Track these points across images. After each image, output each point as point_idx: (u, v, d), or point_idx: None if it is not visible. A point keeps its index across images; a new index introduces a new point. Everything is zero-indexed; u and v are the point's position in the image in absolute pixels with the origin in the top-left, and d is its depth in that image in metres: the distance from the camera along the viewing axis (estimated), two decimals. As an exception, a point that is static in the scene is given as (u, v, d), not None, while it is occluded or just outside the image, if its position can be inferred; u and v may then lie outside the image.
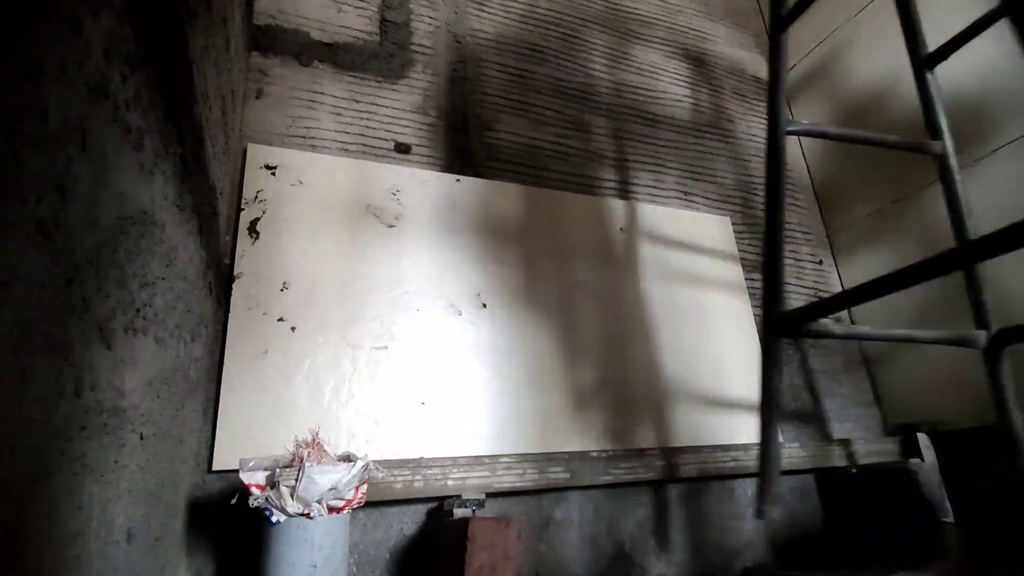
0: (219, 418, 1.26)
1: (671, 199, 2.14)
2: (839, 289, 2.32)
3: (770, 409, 1.19)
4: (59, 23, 0.50)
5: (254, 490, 1.05)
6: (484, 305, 1.63)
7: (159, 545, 0.94)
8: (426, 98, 1.88)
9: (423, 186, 1.70)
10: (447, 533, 1.26)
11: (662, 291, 1.90)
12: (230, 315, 1.35)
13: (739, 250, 2.14)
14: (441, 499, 1.36)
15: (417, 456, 1.38)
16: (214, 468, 1.22)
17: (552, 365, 1.64)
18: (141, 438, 0.81)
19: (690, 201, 2.17)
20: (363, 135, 1.73)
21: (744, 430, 1.80)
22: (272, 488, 1.05)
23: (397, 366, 1.46)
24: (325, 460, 1.11)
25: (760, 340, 1.25)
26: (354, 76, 1.80)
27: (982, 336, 1.31)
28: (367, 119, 1.75)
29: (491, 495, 1.41)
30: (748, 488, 1.77)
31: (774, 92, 1.32)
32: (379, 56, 1.86)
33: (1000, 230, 0.81)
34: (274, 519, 1.03)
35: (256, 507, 1.03)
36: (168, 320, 0.90)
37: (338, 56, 1.80)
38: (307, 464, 1.06)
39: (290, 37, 1.75)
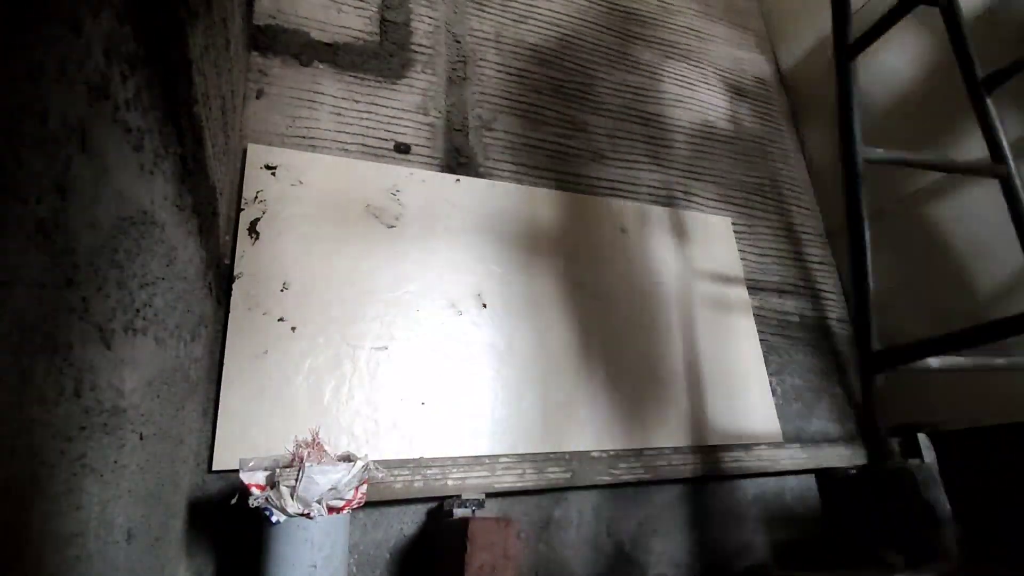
0: (219, 418, 1.26)
1: (671, 199, 2.14)
2: (839, 289, 2.32)
3: (883, 455, 1.13)
4: (59, 23, 0.50)
5: (254, 490, 1.05)
6: (485, 305, 1.63)
7: (159, 545, 0.94)
8: (426, 98, 1.88)
9: (423, 186, 1.70)
10: (447, 533, 1.26)
11: (662, 291, 1.90)
12: (230, 315, 1.35)
13: (739, 250, 2.14)
14: (441, 499, 1.36)
15: (417, 456, 1.38)
16: (214, 468, 1.22)
17: (552, 365, 1.64)
18: (141, 438, 0.81)
19: (690, 201, 2.17)
20: (363, 135, 1.73)
21: (744, 430, 1.80)
22: (272, 488, 1.05)
23: (397, 366, 1.46)
24: (325, 460, 1.11)
25: (859, 379, 1.22)
26: (354, 76, 1.80)
27: None
28: (367, 119, 1.75)
29: (491, 495, 1.41)
30: (749, 488, 1.77)
31: (847, 121, 1.29)
32: (379, 56, 1.86)
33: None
34: (274, 519, 1.03)
35: (256, 507, 1.03)
36: (168, 320, 0.90)
37: (338, 56, 1.80)
38: (307, 464, 1.06)
39: (290, 37, 1.75)
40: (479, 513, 1.31)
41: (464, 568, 1.12)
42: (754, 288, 2.10)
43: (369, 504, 1.23)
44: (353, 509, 1.13)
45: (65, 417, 0.57)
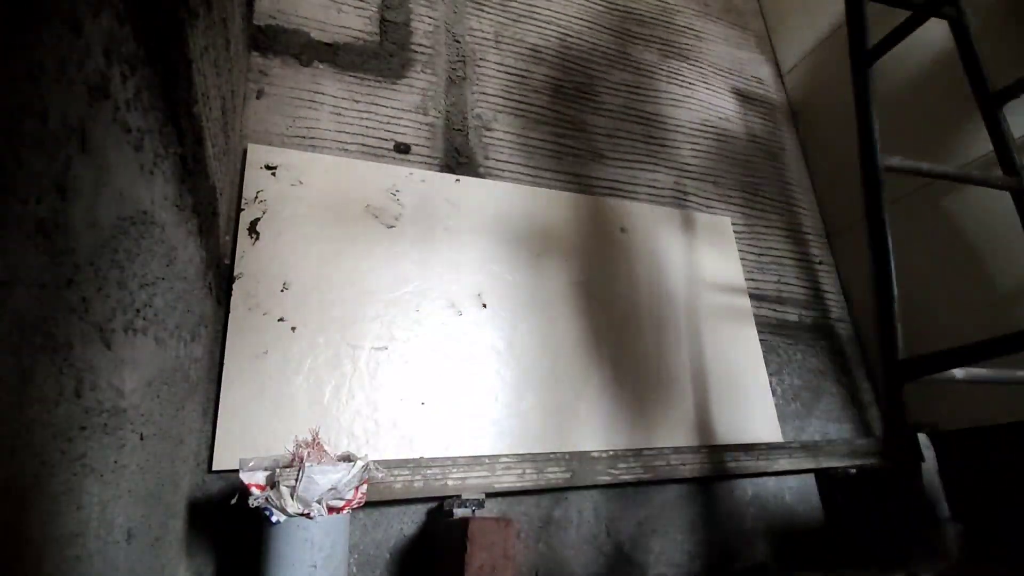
0: (219, 418, 1.26)
1: (671, 199, 2.14)
2: (838, 289, 2.32)
3: (913, 466, 1.12)
4: (59, 23, 0.50)
5: (254, 490, 1.05)
6: (485, 305, 1.63)
7: (159, 545, 0.94)
8: (425, 98, 1.88)
9: (423, 186, 1.70)
10: (447, 533, 1.26)
11: (661, 291, 1.90)
12: (230, 315, 1.35)
13: (739, 250, 2.14)
14: (441, 499, 1.36)
15: (417, 456, 1.38)
16: (214, 468, 1.22)
17: (552, 365, 1.64)
18: (141, 438, 0.81)
19: (690, 201, 2.17)
20: (363, 135, 1.73)
21: (744, 430, 1.80)
22: (272, 488, 1.05)
23: (397, 366, 1.46)
24: (325, 460, 1.11)
25: (882, 389, 1.21)
26: (354, 76, 1.80)
27: None
28: (367, 119, 1.76)
29: (491, 495, 1.41)
30: (748, 488, 1.77)
31: (867, 128, 1.28)
32: (379, 56, 1.86)
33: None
34: (274, 519, 1.03)
35: (256, 507, 1.03)
36: (168, 320, 0.90)
37: (338, 56, 1.80)
38: (307, 464, 1.06)
39: (290, 37, 1.75)
40: (479, 513, 1.31)
41: (464, 568, 1.13)
42: (754, 288, 2.10)
43: (369, 504, 1.24)
44: (353, 509, 1.13)
45: (65, 417, 0.57)
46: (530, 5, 2.25)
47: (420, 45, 1.95)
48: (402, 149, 1.77)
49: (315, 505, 1.05)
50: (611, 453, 1.57)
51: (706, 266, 2.03)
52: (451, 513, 1.31)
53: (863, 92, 1.33)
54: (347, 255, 1.53)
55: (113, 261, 0.66)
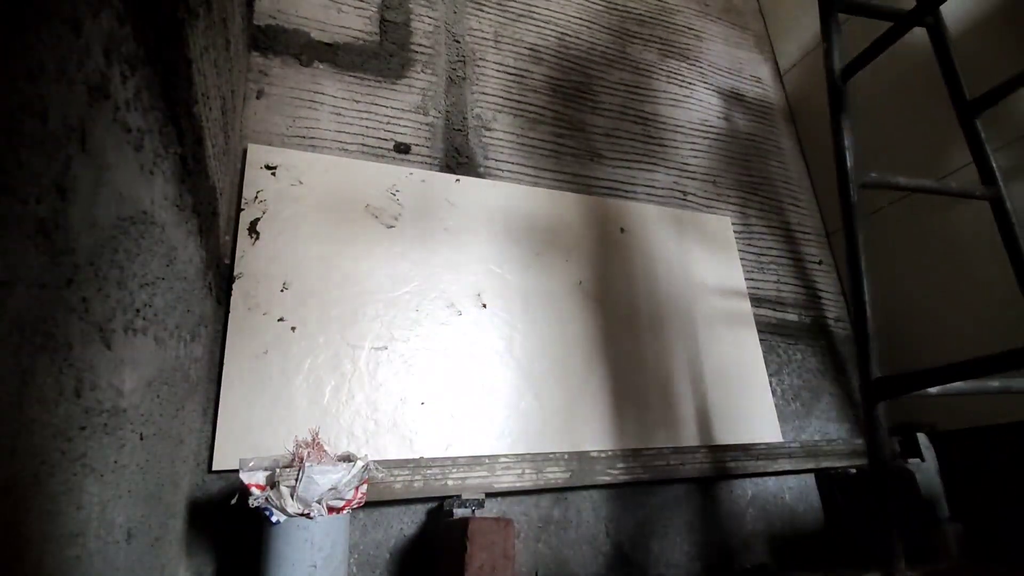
0: (219, 418, 1.26)
1: (670, 199, 2.14)
2: (838, 289, 2.32)
3: (882, 479, 1.13)
4: (59, 23, 0.50)
5: (254, 490, 1.05)
6: (484, 305, 1.63)
7: (159, 545, 0.94)
8: (425, 98, 1.88)
9: (422, 186, 1.70)
10: (447, 533, 1.26)
11: (661, 290, 1.90)
12: (230, 315, 1.35)
13: (739, 250, 2.14)
14: (441, 499, 1.36)
15: (417, 456, 1.39)
16: (214, 468, 1.22)
17: (551, 365, 1.64)
18: (141, 438, 0.81)
19: (689, 201, 2.17)
20: (363, 135, 1.73)
21: (744, 430, 1.80)
22: (272, 488, 1.05)
23: (397, 366, 1.46)
24: (325, 460, 1.11)
25: (862, 406, 1.21)
26: (354, 76, 1.80)
27: None
28: (367, 119, 1.76)
29: (491, 495, 1.41)
30: (748, 488, 1.77)
31: (840, 146, 1.28)
32: (379, 56, 1.86)
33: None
34: (274, 519, 1.03)
35: (256, 507, 1.03)
36: (168, 320, 0.90)
37: (338, 56, 1.80)
38: (307, 464, 1.06)
39: (290, 37, 1.75)
40: (479, 513, 1.31)
41: (464, 568, 1.13)
42: (753, 288, 2.11)
43: (369, 504, 1.24)
44: (353, 509, 1.13)
45: (65, 417, 0.57)
46: (529, 5, 2.25)
47: (420, 45, 1.95)
48: (402, 149, 1.77)
49: (315, 505, 1.05)
50: (610, 453, 1.57)
51: (706, 266, 2.03)
52: (451, 513, 1.31)
53: (837, 110, 1.32)
54: (347, 255, 1.53)
55: (113, 261, 0.66)
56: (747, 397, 1.87)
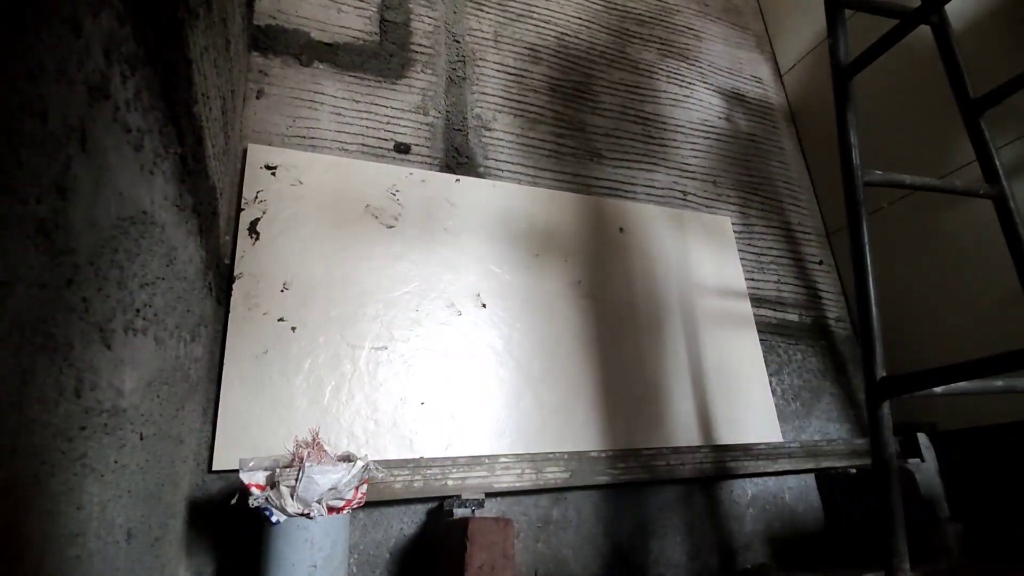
0: (219, 418, 1.26)
1: (670, 199, 2.14)
2: (838, 289, 2.32)
3: (889, 484, 1.11)
4: (59, 23, 0.50)
5: (254, 490, 1.05)
6: (484, 305, 1.63)
7: (159, 545, 0.94)
8: (425, 98, 1.88)
9: (422, 186, 1.70)
10: (447, 533, 1.26)
11: (661, 290, 1.90)
12: (230, 315, 1.35)
13: (739, 250, 2.14)
14: (441, 499, 1.36)
15: (417, 456, 1.39)
16: (214, 468, 1.22)
17: (551, 365, 1.64)
18: (141, 438, 0.81)
19: (689, 201, 2.17)
20: (363, 135, 1.73)
21: (744, 430, 1.80)
22: (272, 488, 1.05)
23: (397, 366, 1.46)
24: (325, 460, 1.11)
25: (866, 406, 1.20)
26: (354, 76, 1.80)
27: None
28: (367, 119, 1.76)
29: (490, 495, 1.41)
30: (748, 488, 1.77)
31: (846, 144, 1.28)
32: (379, 56, 1.86)
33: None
34: (274, 519, 1.03)
35: (256, 507, 1.03)
36: (168, 320, 0.90)
37: (338, 56, 1.80)
38: (307, 464, 1.06)
39: (290, 37, 1.75)
40: (479, 513, 1.31)
41: (464, 568, 1.13)
42: (753, 288, 2.10)
43: (369, 504, 1.24)
44: (353, 509, 1.13)
45: (65, 417, 0.57)
46: (529, 4, 2.25)
47: (420, 45, 1.95)
48: (402, 149, 1.77)
49: (315, 505, 1.05)
50: (610, 453, 1.57)
51: (706, 266, 2.03)
52: (451, 513, 1.31)
53: (842, 108, 1.32)
54: (347, 255, 1.53)
55: (113, 261, 0.66)
56: (747, 397, 1.87)
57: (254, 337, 1.35)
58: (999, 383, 1.15)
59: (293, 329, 1.39)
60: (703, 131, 2.38)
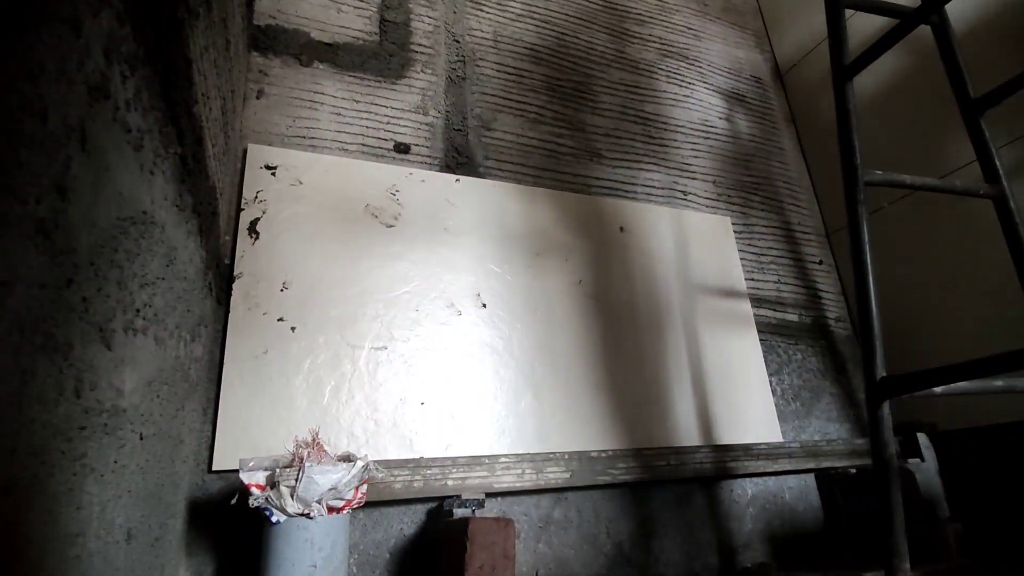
0: (219, 418, 1.26)
1: (670, 199, 2.14)
2: (838, 289, 2.32)
3: (889, 484, 1.11)
4: (59, 23, 0.50)
5: (254, 490, 1.05)
6: (484, 305, 1.63)
7: (159, 545, 0.94)
8: (425, 98, 1.88)
9: (422, 186, 1.70)
10: (447, 533, 1.26)
11: (661, 290, 1.90)
12: (230, 315, 1.35)
13: (739, 250, 2.14)
14: (441, 499, 1.36)
15: (417, 456, 1.39)
16: (214, 468, 1.22)
17: (551, 365, 1.64)
18: (141, 438, 0.81)
19: (689, 201, 2.18)
20: (363, 135, 1.73)
21: (744, 430, 1.80)
22: (272, 488, 1.05)
23: (397, 366, 1.46)
24: (325, 460, 1.11)
25: (866, 405, 1.20)
26: (354, 76, 1.80)
27: None
28: (367, 119, 1.76)
29: (491, 495, 1.41)
30: (748, 488, 1.77)
31: (847, 143, 1.28)
32: (379, 56, 1.86)
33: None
34: (274, 519, 1.03)
35: (256, 507, 1.03)
36: (168, 320, 0.90)
37: (338, 56, 1.80)
38: (307, 464, 1.06)
39: (290, 37, 1.75)
40: (479, 513, 1.31)
41: (464, 568, 1.13)
42: (753, 288, 2.11)
43: (369, 504, 1.24)
44: (353, 509, 1.13)
45: (65, 417, 0.57)
46: (528, 4, 2.25)
47: (420, 45, 1.95)
48: (402, 149, 1.77)
49: (315, 505, 1.05)
50: (611, 453, 1.57)
51: (706, 266, 2.03)
52: (451, 513, 1.31)
53: (842, 107, 1.32)
54: (347, 255, 1.53)
55: (113, 261, 0.66)
56: (747, 397, 1.87)
57: (254, 337, 1.35)
58: (999, 383, 1.15)
59: (293, 329, 1.39)
60: (703, 131, 2.38)
